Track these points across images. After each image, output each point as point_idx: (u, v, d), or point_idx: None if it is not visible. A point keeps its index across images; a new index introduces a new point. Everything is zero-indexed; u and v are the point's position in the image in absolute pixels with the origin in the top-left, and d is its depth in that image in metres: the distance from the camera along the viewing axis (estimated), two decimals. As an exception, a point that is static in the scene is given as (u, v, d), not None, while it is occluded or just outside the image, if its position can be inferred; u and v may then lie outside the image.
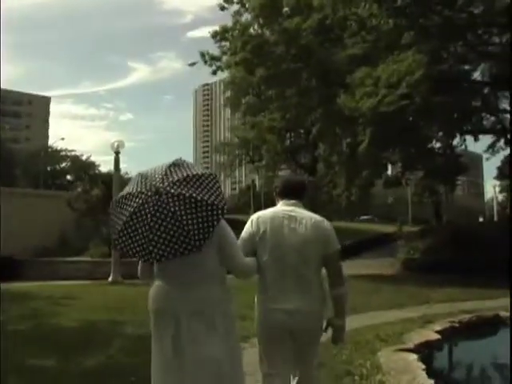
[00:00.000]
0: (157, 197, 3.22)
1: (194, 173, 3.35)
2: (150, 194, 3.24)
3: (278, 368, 3.79)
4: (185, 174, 3.32)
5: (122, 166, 19.16)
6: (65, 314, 10.23)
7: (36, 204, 22.90)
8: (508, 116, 25.35)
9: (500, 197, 67.73)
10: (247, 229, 3.85)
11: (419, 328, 8.14)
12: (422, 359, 6.03)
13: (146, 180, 3.34)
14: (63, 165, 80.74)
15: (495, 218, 52.66)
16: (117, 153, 18.17)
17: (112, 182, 18.52)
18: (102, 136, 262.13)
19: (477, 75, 24.12)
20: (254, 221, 3.83)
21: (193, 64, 31.33)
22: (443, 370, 7.27)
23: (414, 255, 20.96)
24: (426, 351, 6.81)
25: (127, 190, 3.39)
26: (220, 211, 3.26)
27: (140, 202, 3.24)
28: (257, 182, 71.49)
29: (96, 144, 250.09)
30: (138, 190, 3.31)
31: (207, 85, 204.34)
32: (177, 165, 3.41)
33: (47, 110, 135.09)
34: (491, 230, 20.85)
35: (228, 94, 45.53)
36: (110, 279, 17.00)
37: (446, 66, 20.13)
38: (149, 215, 3.20)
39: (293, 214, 3.77)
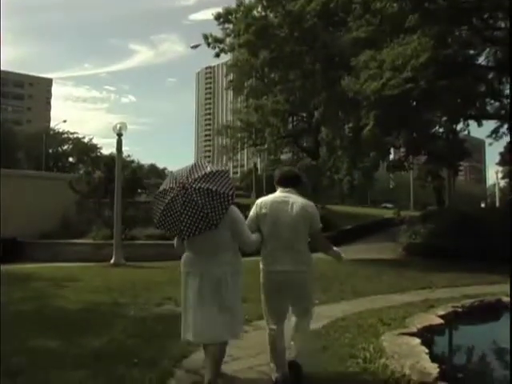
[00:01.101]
0: (184, 191, 4.58)
1: (209, 170, 4.70)
2: (178, 189, 4.61)
3: (276, 311, 5.17)
4: (203, 172, 4.67)
5: (124, 148, 19.26)
6: (67, 296, 10.26)
7: (38, 186, 22.86)
8: (512, 101, 25.25)
9: (502, 183, 67.66)
10: (253, 210, 5.19)
11: (422, 312, 8.13)
12: (425, 343, 6.03)
13: (175, 179, 4.71)
14: (65, 147, 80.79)
15: (497, 204, 52.63)
16: (119, 135, 18.10)
17: (114, 164, 18.47)
18: (104, 118, 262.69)
19: (481, 60, 23.96)
20: (258, 204, 5.18)
21: (196, 46, 31.25)
22: (446, 354, 7.27)
23: (416, 240, 20.90)
24: (428, 335, 6.81)
25: (162, 187, 4.79)
26: (230, 198, 4.62)
27: (172, 195, 4.62)
28: (259, 166, 71.49)
29: (98, 126, 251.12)
30: (170, 186, 4.70)
31: (210, 67, 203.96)
32: (196, 165, 4.83)
33: (49, 91, 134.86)
34: (493, 216, 20.78)
35: (231, 76, 45.32)
36: (112, 261, 17.03)
37: (450, 51, 19.96)
38: (179, 204, 4.56)
39: (286, 199, 5.09)
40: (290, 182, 5.26)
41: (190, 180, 4.62)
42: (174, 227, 4.65)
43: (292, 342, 5.17)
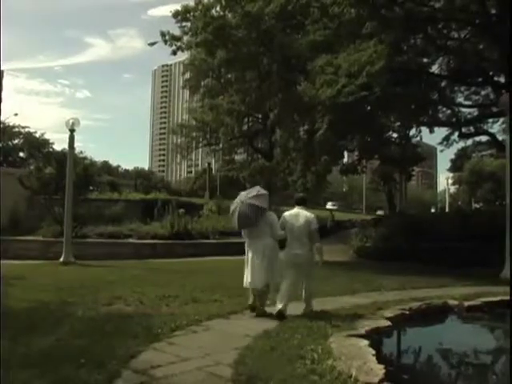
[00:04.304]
0: (241, 204, 8.54)
1: (255, 194, 8.66)
2: (240, 203, 8.59)
3: (292, 280, 8.61)
4: (253, 194, 8.66)
5: (77, 144, 18.74)
6: (14, 294, 10.01)
7: (-14, 181, 22.23)
8: (462, 109, 25.92)
9: (452, 189, 69.22)
10: (281, 218, 8.85)
11: (370, 314, 8.25)
12: (373, 345, 6.12)
13: (240, 197, 8.74)
14: (16, 141, 78.79)
15: (447, 209, 53.75)
16: (72, 131, 17.76)
17: (66, 160, 18.13)
18: (58, 113, 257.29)
19: (435, 68, 24.47)
20: (283, 216, 8.92)
21: (153, 44, 30.79)
22: (393, 355, 7.39)
23: (367, 243, 21.21)
24: (376, 337, 6.91)
25: (234, 201, 8.88)
26: (264, 210, 8.54)
27: (235, 206, 8.66)
28: (213, 166, 71.35)
29: (51, 121, 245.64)
30: (237, 201, 8.70)
31: (166, 66, 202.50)
32: (251, 190, 8.90)
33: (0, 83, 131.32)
34: (443, 221, 21.24)
35: (187, 75, 45.09)
36: (61, 259, 16.70)
37: (405, 58, 20.34)
38: (237, 212, 8.52)
39: (298, 213, 8.84)
40: (301, 202, 9.12)
41: (245, 198, 8.66)
42: (237, 224, 8.71)
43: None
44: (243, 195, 8.77)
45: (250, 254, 8.65)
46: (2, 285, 10.54)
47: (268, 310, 8.60)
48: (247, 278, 8.61)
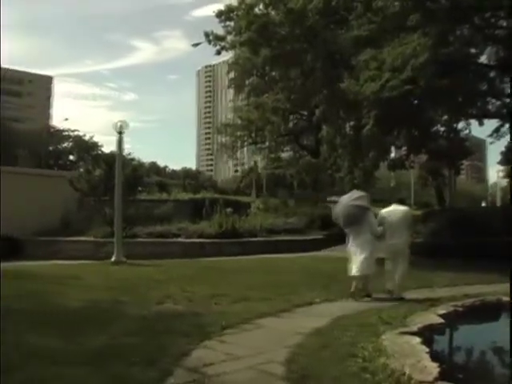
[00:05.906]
0: (346, 206, 10.61)
1: (358, 196, 10.77)
2: (344, 205, 10.72)
3: (392, 264, 10.76)
4: (356, 196, 10.78)
5: (126, 146, 19.06)
6: (67, 294, 10.24)
7: (38, 184, 22.77)
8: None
9: (503, 182, 67.56)
10: (378, 216, 10.90)
11: (423, 311, 8.13)
12: (426, 342, 6.02)
13: (342, 200, 10.97)
14: (65, 145, 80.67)
15: (498, 203, 52.59)
16: (120, 133, 18.04)
17: (115, 162, 18.44)
18: (106, 116, 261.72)
19: (483, 59, 23.89)
20: (380, 213, 10.98)
21: (197, 44, 30.99)
22: (446, 353, 7.26)
23: (417, 239, 20.88)
24: (429, 334, 6.80)
25: (338, 203, 11.38)
26: (368, 209, 10.70)
27: (340, 208, 10.84)
28: (259, 164, 71.34)
29: (99, 124, 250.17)
30: (341, 203, 10.84)
31: (210, 66, 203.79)
32: (352, 193, 11.03)
33: (49, 89, 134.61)
34: (494, 215, 20.77)
35: (232, 74, 45.27)
36: (112, 259, 16.98)
37: (452, 49, 19.90)
38: (344, 213, 10.65)
39: (396, 209, 10.92)
40: (399, 201, 11.34)
41: (348, 200, 10.60)
42: (344, 223, 10.66)
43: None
44: (346, 198, 10.86)
45: (353, 248, 10.54)
46: (2, 282, 10.70)
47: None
48: (353, 268, 10.39)
